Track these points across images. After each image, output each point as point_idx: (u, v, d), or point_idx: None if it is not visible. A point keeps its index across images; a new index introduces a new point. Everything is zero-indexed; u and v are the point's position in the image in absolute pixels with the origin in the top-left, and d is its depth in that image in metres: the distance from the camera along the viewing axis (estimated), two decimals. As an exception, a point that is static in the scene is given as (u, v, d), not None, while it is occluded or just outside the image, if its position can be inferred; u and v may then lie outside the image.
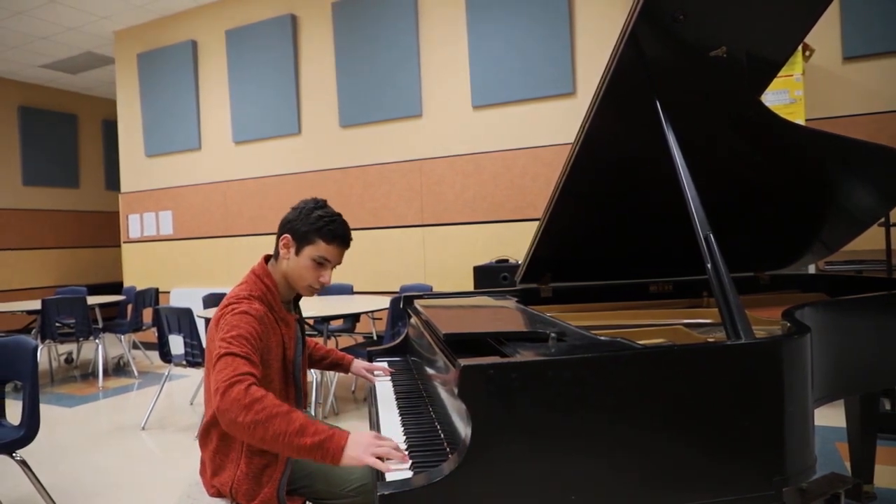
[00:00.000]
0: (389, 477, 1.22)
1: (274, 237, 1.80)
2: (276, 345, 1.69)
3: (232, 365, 1.47)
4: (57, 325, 5.61)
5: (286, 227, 1.74)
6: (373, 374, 2.10)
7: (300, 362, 1.77)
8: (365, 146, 6.20)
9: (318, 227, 1.70)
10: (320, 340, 4.79)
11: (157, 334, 4.37)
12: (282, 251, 1.74)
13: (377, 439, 1.35)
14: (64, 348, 7.06)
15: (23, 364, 2.57)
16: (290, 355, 1.73)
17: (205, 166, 7.18)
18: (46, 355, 6.79)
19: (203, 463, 1.79)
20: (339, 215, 1.77)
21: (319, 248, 1.71)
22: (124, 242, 7.84)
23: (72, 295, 6.05)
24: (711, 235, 1.42)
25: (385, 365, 2.17)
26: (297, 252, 1.72)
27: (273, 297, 1.72)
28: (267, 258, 1.81)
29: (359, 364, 2.13)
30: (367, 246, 6.15)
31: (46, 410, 4.81)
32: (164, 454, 3.76)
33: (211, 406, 1.62)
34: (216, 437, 1.70)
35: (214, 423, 1.67)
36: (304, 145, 6.53)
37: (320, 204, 1.76)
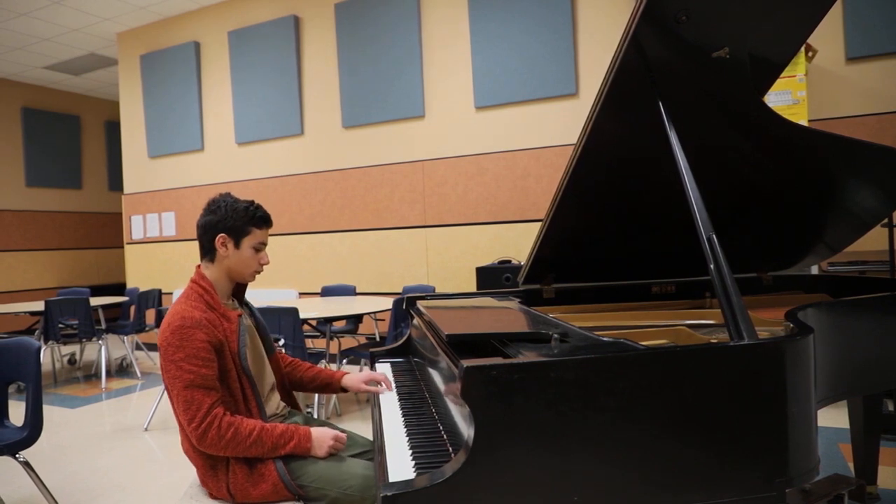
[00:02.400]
0: (393, 478, 1.23)
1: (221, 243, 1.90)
2: (221, 341, 1.76)
3: (195, 402, 1.64)
4: (60, 326, 5.62)
5: (217, 227, 1.83)
6: (372, 384, 2.01)
7: (245, 353, 1.82)
8: (367, 147, 6.20)
9: (249, 217, 1.84)
10: (323, 342, 4.80)
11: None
12: (220, 251, 1.84)
13: (334, 440, 1.76)
14: (67, 349, 7.07)
15: (26, 365, 2.58)
16: (233, 348, 1.79)
17: (207, 167, 7.19)
18: (49, 356, 6.81)
19: (197, 472, 1.81)
20: (254, 201, 1.90)
21: (256, 236, 1.86)
22: (127, 244, 7.85)
23: (75, 296, 6.06)
24: (714, 236, 1.42)
25: (385, 374, 2.13)
26: (237, 246, 1.84)
27: (211, 297, 1.82)
28: (199, 265, 1.91)
29: (353, 378, 2.06)
30: (370, 247, 6.15)
31: (49, 411, 4.82)
32: (166, 455, 3.76)
33: (180, 423, 1.75)
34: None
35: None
36: (307, 146, 6.54)
37: (234, 197, 1.88)
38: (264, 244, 1.89)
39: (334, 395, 4.59)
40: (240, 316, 1.86)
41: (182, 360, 1.66)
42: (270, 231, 1.91)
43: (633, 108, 1.74)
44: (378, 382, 1.99)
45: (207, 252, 1.85)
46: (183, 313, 1.71)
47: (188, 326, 1.69)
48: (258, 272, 1.91)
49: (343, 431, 2.06)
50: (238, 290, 1.98)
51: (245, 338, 1.84)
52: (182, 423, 1.67)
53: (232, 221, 1.82)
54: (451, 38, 5.74)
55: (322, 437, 1.75)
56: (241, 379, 1.79)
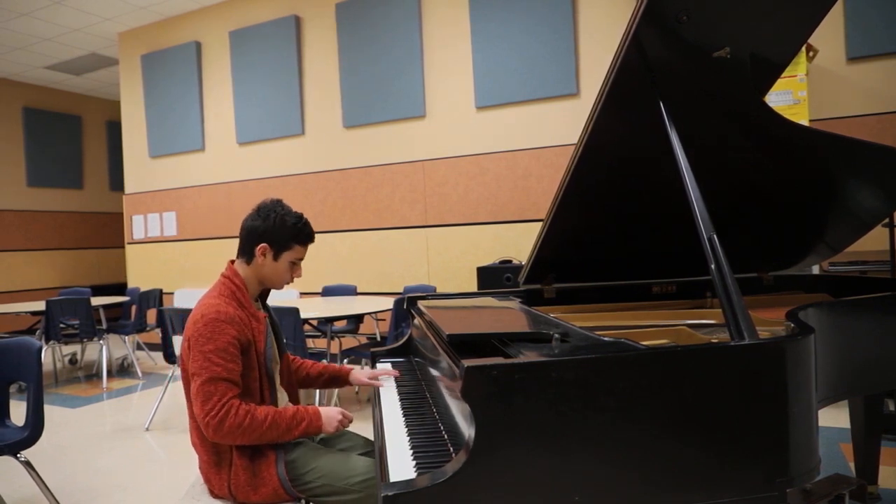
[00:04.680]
0: (394, 477, 1.23)
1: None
2: (249, 340, 1.78)
3: (216, 393, 1.65)
4: (61, 326, 5.62)
5: (263, 236, 1.85)
6: (377, 380, 2.05)
7: (271, 354, 1.85)
8: (368, 147, 6.20)
9: (295, 234, 1.86)
10: (323, 342, 4.80)
11: (160, 335, 4.38)
12: (258, 258, 1.85)
13: (342, 415, 1.80)
14: (68, 349, 7.08)
15: (27, 365, 2.58)
16: (260, 349, 1.81)
17: (208, 167, 7.19)
18: (51, 356, 6.82)
19: (199, 465, 1.82)
20: (303, 216, 1.91)
21: (297, 252, 1.88)
22: (128, 243, 7.86)
23: (76, 296, 6.06)
24: (715, 236, 1.42)
25: (388, 367, 2.17)
26: (276, 258, 1.86)
27: (242, 295, 1.84)
28: (233, 261, 1.92)
29: (359, 373, 2.11)
30: (371, 247, 6.15)
31: (50, 411, 4.83)
32: (167, 455, 3.76)
33: (193, 416, 1.76)
34: (203, 435, 1.76)
35: (199, 428, 1.76)
36: (308, 146, 6.54)
37: (285, 208, 1.89)
38: (301, 259, 1.91)
39: (335, 395, 4.60)
40: (265, 318, 1.89)
41: (211, 353, 1.67)
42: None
43: (634, 108, 1.74)
44: (384, 375, 2.03)
45: (245, 253, 1.87)
46: (218, 307, 1.73)
47: (222, 321, 1.71)
48: (289, 283, 1.93)
49: (344, 432, 2.07)
50: (263, 292, 2.00)
51: (270, 339, 1.87)
52: (197, 414, 1.66)
53: (278, 234, 1.84)
54: (452, 38, 5.74)
55: (330, 414, 1.79)
56: (262, 379, 1.81)
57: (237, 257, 1.90)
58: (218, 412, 1.63)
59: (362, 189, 6.21)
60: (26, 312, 5.90)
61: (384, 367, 2.26)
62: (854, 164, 1.99)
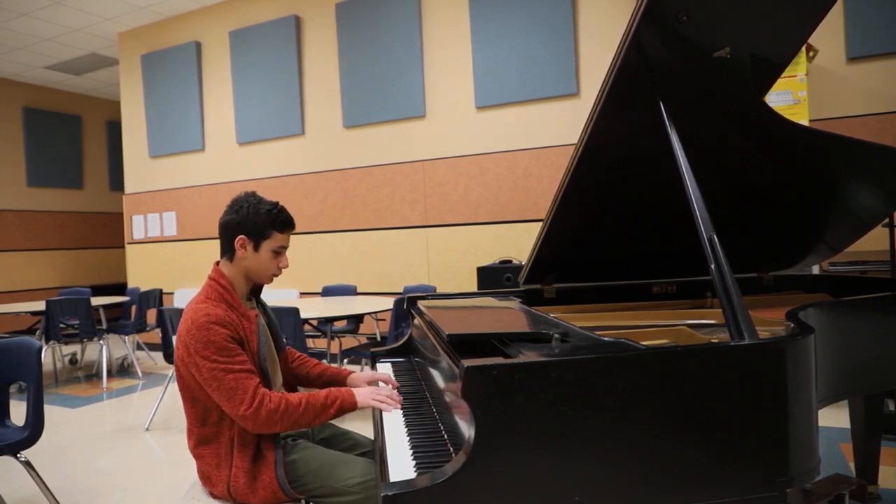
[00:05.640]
0: (394, 477, 1.23)
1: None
2: (242, 339, 1.76)
3: (241, 387, 1.64)
4: (61, 326, 5.62)
5: (237, 228, 1.82)
6: (377, 388, 1.99)
7: (265, 353, 1.83)
8: (368, 147, 6.20)
9: (270, 220, 1.82)
10: (323, 342, 4.80)
11: (160, 335, 4.38)
12: (238, 252, 1.82)
13: (375, 390, 1.79)
14: (68, 349, 7.08)
15: (27, 365, 2.58)
16: (253, 348, 1.79)
17: (208, 167, 7.19)
18: (51, 356, 6.82)
19: (198, 467, 1.82)
20: (279, 203, 1.88)
21: (276, 240, 1.84)
22: (128, 243, 7.86)
23: (76, 296, 6.06)
24: (715, 236, 1.42)
25: (388, 367, 2.16)
26: (256, 248, 1.82)
27: (230, 296, 1.81)
28: (218, 262, 1.89)
29: (357, 378, 2.04)
30: (371, 247, 6.15)
31: (50, 411, 4.83)
32: (167, 455, 3.76)
33: (191, 414, 1.77)
34: (203, 439, 1.77)
35: (198, 428, 1.77)
36: (308, 146, 6.54)
37: (258, 198, 1.87)
38: (285, 248, 1.87)
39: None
40: (257, 316, 1.86)
41: (214, 354, 1.66)
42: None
43: (634, 108, 1.74)
44: (382, 382, 1.97)
45: (227, 251, 1.84)
46: (206, 311, 1.71)
47: (213, 323, 1.68)
48: (276, 275, 1.89)
49: (345, 432, 2.07)
50: (255, 289, 1.97)
51: (264, 338, 1.85)
52: (232, 413, 1.66)
53: (252, 224, 1.80)
54: (452, 38, 5.74)
55: (364, 391, 1.78)
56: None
57: (221, 256, 1.87)
58: (251, 403, 1.63)
59: (362, 189, 6.21)
60: (26, 312, 5.90)
61: (384, 367, 2.26)
62: (854, 164, 1.99)
